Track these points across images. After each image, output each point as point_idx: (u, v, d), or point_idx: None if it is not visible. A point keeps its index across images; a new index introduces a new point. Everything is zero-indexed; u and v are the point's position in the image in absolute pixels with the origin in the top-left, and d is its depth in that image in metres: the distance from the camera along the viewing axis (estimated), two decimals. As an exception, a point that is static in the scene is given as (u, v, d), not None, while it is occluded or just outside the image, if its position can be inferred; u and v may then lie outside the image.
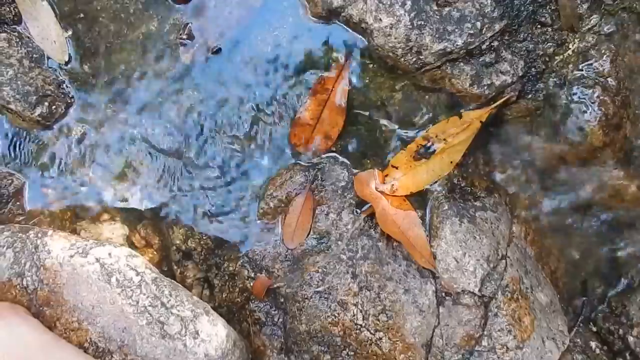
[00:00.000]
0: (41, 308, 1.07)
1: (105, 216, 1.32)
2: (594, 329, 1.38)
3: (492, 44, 1.29)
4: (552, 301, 1.38)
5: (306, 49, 1.32)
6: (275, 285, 1.24)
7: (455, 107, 1.29)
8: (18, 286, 1.09)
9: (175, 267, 1.34)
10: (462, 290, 1.21)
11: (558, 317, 1.37)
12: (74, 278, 1.07)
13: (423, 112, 1.31)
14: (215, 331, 1.07)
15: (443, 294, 1.21)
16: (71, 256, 1.10)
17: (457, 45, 1.24)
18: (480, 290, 1.21)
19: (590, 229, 1.37)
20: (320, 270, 1.22)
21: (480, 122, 1.29)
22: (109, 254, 1.10)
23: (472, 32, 1.23)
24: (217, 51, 1.32)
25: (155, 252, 1.33)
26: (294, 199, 1.28)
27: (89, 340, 1.05)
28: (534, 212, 1.41)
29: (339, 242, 1.24)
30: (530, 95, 1.30)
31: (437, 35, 1.23)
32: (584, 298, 1.39)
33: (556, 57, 1.30)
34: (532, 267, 1.38)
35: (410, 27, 1.23)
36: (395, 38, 1.23)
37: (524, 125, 1.34)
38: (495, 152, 1.39)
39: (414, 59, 1.26)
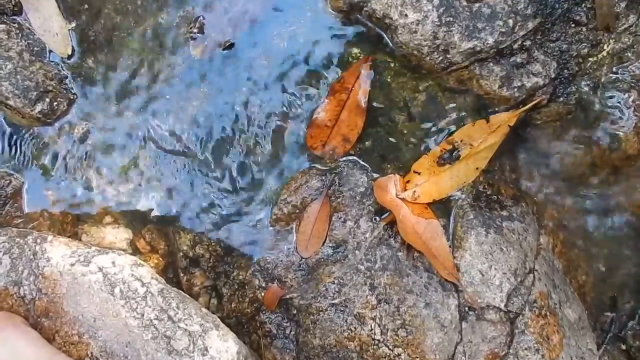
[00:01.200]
0: (39, 319, 1.04)
1: (109, 219, 1.28)
2: (623, 347, 1.35)
3: (524, 43, 1.22)
4: (581, 317, 1.32)
5: (325, 45, 1.27)
6: (287, 296, 1.21)
7: (482, 110, 1.25)
8: (15, 295, 1.06)
9: (181, 275, 1.30)
10: (487, 305, 1.17)
11: (587, 334, 1.32)
12: (74, 288, 1.04)
13: (448, 115, 1.26)
14: (225, 347, 1.02)
15: (466, 308, 1.17)
16: (72, 264, 1.07)
17: (487, 44, 1.19)
18: (506, 306, 1.17)
19: (620, 241, 1.33)
20: (336, 281, 1.19)
21: (509, 126, 1.24)
22: (113, 263, 1.07)
23: (503, 30, 1.18)
24: (230, 46, 1.27)
25: (160, 258, 1.30)
26: (310, 205, 1.24)
27: (89, 355, 1.02)
28: (561, 222, 1.36)
29: (357, 252, 1.20)
30: (561, 99, 1.26)
31: (466, 33, 1.18)
32: (613, 314, 1.36)
33: (590, 59, 1.25)
34: (560, 281, 1.32)
35: (438, 23, 1.18)
36: (421, 35, 1.18)
37: (553, 130, 1.29)
38: (522, 159, 1.34)
39: (441, 58, 1.21)
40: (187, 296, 1.11)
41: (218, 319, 1.09)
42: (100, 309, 1.03)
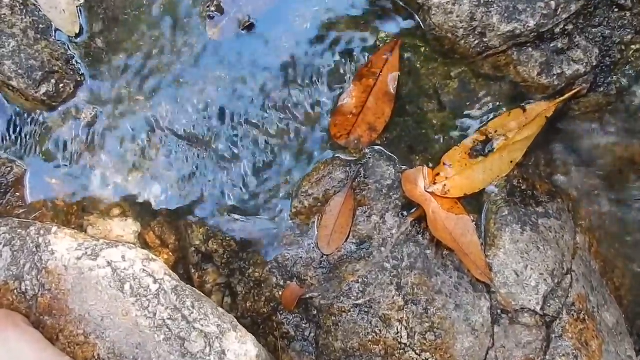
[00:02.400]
0: (42, 317, 1.01)
1: (116, 211, 1.25)
2: (662, 354, 1.29)
3: (566, 27, 1.16)
4: (619, 322, 1.27)
5: (350, 27, 1.22)
6: (307, 296, 1.17)
7: (518, 98, 1.20)
8: (16, 291, 1.02)
9: (193, 271, 1.25)
10: (522, 308, 1.13)
11: (625, 340, 1.26)
12: (81, 284, 1.00)
13: (482, 104, 1.21)
14: (244, 350, 0.98)
15: (499, 311, 1.13)
16: (78, 258, 1.02)
17: (528, 27, 1.13)
18: (542, 309, 1.13)
19: (659, 241, 1.28)
20: (360, 280, 1.15)
21: (546, 117, 1.19)
22: (123, 257, 1.03)
23: (545, 12, 1.12)
24: (250, 27, 1.22)
25: (170, 254, 1.25)
26: (333, 198, 1.19)
27: (96, 357, 0.98)
28: (598, 220, 1.30)
29: (382, 249, 1.16)
30: (601, 89, 1.21)
31: (506, 15, 1.12)
32: (651, 318, 1.30)
33: (633, 46, 1.19)
34: (597, 283, 1.26)
35: (476, 4, 1.12)
36: (457, 16, 1.13)
37: (592, 122, 1.25)
38: (557, 152, 1.28)
39: (477, 42, 1.16)
40: (203, 295, 1.06)
41: (235, 320, 1.04)
42: (108, 307, 0.99)
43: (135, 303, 1.00)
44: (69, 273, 1.01)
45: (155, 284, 1.02)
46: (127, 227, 1.24)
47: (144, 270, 1.02)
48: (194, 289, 1.07)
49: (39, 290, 1.02)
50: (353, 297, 1.14)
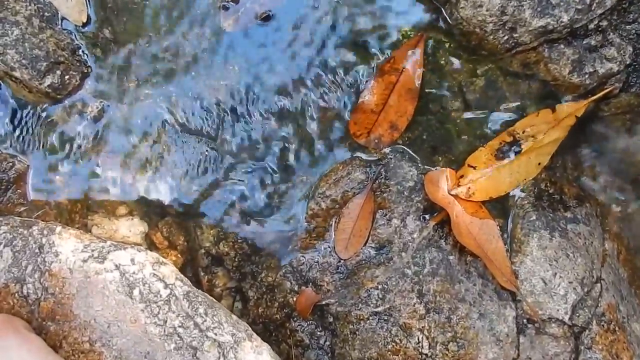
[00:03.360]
0: (44, 322, 0.97)
1: (122, 210, 1.23)
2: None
3: (600, 23, 1.12)
4: None
5: (372, 21, 1.20)
6: (323, 302, 1.14)
7: (547, 98, 1.18)
8: (17, 294, 0.99)
9: (202, 274, 1.24)
10: (549, 318, 1.10)
11: None
12: (86, 288, 0.97)
13: (509, 103, 1.18)
14: None
15: (525, 320, 1.10)
16: (84, 260, 0.99)
17: (561, 22, 1.10)
18: (571, 319, 1.10)
19: (689, 248, 1.25)
20: (379, 286, 1.12)
21: (576, 117, 1.15)
22: (132, 260, 0.99)
23: (580, 7, 1.09)
24: (267, 18, 1.19)
25: (179, 255, 1.23)
26: (351, 200, 1.17)
27: None
28: (627, 226, 1.27)
29: (403, 254, 1.14)
30: (634, 89, 1.18)
31: (538, 9, 1.09)
32: (679, 330, 1.26)
33: None
34: (626, 291, 1.23)
35: None
36: (487, 10, 1.10)
37: (622, 123, 1.22)
38: (585, 154, 1.25)
39: (506, 37, 1.13)
40: (216, 301, 1.03)
41: (250, 328, 1.01)
42: (115, 313, 0.96)
43: (144, 309, 0.96)
44: (74, 276, 0.98)
45: (166, 290, 0.98)
46: (133, 227, 1.22)
47: (154, 274, 0.99)
48: (207, 294, 1.03)
49: (41, 294, 0.99)
50: (372, 305, 1.12)
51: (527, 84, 1.17)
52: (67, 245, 1.01)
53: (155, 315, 0.96)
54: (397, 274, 1.12)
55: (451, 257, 1.13)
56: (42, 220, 1.12)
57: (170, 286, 0.98)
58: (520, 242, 1.13)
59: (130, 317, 0.96)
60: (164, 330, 0.95)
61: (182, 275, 1.02)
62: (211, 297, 1.03)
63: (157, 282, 0.98)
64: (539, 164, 1.16)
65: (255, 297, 1.21)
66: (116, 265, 0.98)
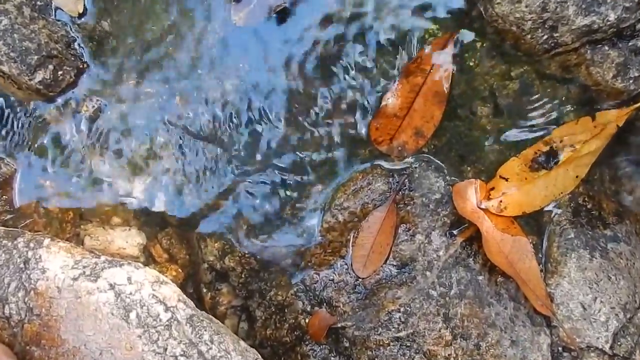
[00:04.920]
0: (28, 347, 0.93)
1: (118, 219, 1.20)
2: None
3: None
4: None
5: (396, 17, 1.17)
6: (339, 325, 1.10)
7: (587, 104, 1.13)
8: None
9: (204, 291, 1.21)
10: (588, 346, 1.05)
11: None
12: (77, 310, 0.93)
13: (545, 109, 1.14)
14: None
15: (561, 349, 1.06)
16: (75, 278, 0.94)
17: (607, 21, 1.05)
18: (612, 348, 1.05)
19: None
20: (402, 309, 1.08)
21: (617, 126, 1.11)
22: (129, 279, 0.95)
23: (628, 5, 1.04)
24: (283, 12, 1.15)
25: (179, 270, 1.21)
26: (372, 213, 1.12)
27: None
28: None
29: (428, 273, 1.09)
30: None
31: (583, 6, 1.05)
32: None
33: None
34: None
35: None
36: (526, 6, 1.06)
37: None
38: (623, 167, 1.20)
39: (546, 37, 1.09)
40: (222, 325, 0.98)
41: (260, 357, 0.96)
42: (109, 338, 0.91)
43: (142, 335, 0.91)
44: (63, 296, 0.94)
45: (166, 313, 0.93)
46: (130, 238, 1.19)
47: (153, 295, 0.94)
48: (212, 317, 0.99)
49: (25, 315, 0.94)
50: (393, 329, 1.07)
51: (565, 88, 1.13)
52: (56, 261, 0.96)
53: (154, 342, 0.91)
54: (421, 295, 1.07)
55: (480, 278, 1.09)
56: (29, 231, 1.08)
57: (171, 309, 0.93)
58: (556, 262, 1.09)
59: (125, 343, 0.91)
60: (164, 359, 0.90)
61: (185, 297, 0.97)
62: (217, 321, 0.99)
63: (157, 304, 0.93)
64: (577, 176, 1.11)
65: (263, 318, 1.17)
66: (111, 285, 0.94)
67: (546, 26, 1.07)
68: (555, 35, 1.07)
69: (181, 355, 0.90)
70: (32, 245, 0.98)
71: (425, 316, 1.06)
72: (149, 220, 1.20)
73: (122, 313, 0.92)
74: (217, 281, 1.20)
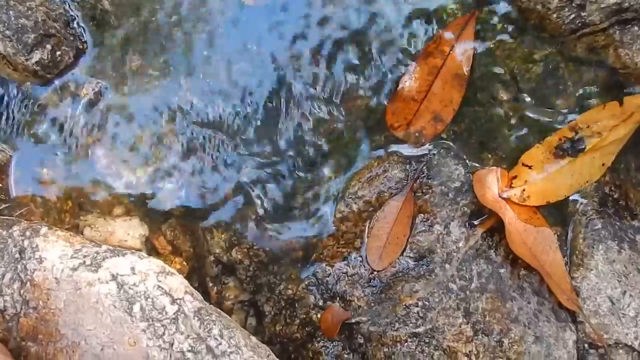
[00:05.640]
0: (24, 343, 0.91)
1: (119, 210, 1.18)
2: None
3: None
4: None
5: None
6: (353, 320, 1.09)
7: (615, 88, 1.11)
8: None
9: (210, 284, 1.18)
10: (616, 343, 1.04)
11: None
12: (76, 302, 0.90)
13: (570, 93, 1.12)
14: None
15: (587, 345, 1.05)
16: (74, 268, 0.91)
17: None
18: None
19: None
20: (420, 303, 1.06)
21: None
22: (132, 269, 0.92)
23: None
24: None
25: (184, 263, 1.19)
26: (388, 202, 1.11)
27: None
28: None
29: (447, 266, 1.07)
30: None
31: None
32: None
33: None
34: None
35: None
36: None
37: None
38: None
39: (573, 16, 1.06)
40: (232, 320, 0.95)
41: (272, 353, 0.93)
42: (111, 333, 0.88)
43: (146, 329, 0.89)
44: (61, 288, 0.91)
45: (172, 305, 0.90)
46: (132, 230, 1.17)
47: (158, 286, 0.91)
48: (221, 311, 0.96)
49: (21, 309, 0.92)
50: (411, 324, 1.05)
51: (592, 71, 1.12)
52: (54, 250, 0.93)
53: (159, 337, 0.89)
54: (440, 289, 1.06)
55: (502, 270, 1.07)
56: (26, 220, 1.06)
57: (178, 301, 0.90)
58: (582, 254, 1.07)
59: (128, 338, 0.88)
60: (170, 355, 0.88)
61: (192, 289, 0.94)
62: (226, 315, 0.96)
63: (163, 296, 0.90)
64: (603, 164, 1.09)
65: (273, 313, 1.15)
66: (113, 275, 0.91)
67: (574, 4, 1.05)
68: (582, 14, 1.05)
69: (189, 350, 0.87)
70: (28, 234, 0.96)
71: (444, 311, 1.04)
72: (151, 211, 1.17)
73: (125, 305, 0.90)
74: (223, 275, 1.19)
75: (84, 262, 0.92)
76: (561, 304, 1.04)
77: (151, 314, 0.90)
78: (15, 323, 0.91)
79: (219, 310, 0.96)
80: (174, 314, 0.90)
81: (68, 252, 0.94)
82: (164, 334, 0.88)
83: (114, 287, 0.91)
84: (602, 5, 1.03)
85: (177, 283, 0.92)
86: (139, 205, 1.17)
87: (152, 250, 1.18)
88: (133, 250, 0.96)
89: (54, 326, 0.90)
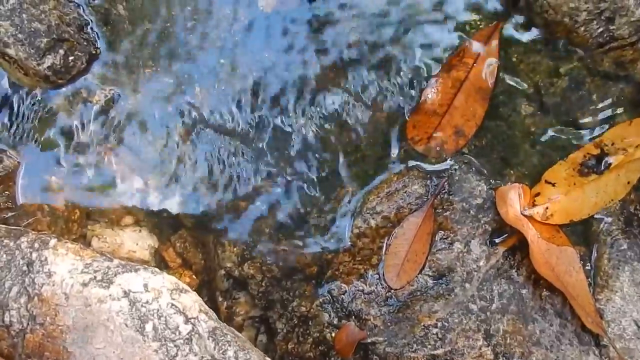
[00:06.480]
0: None
1: (128, 220, 1.17)
2: None
3: None
4: None
5: (434, 6, 1.14)
6: (369, 340, 1.06)
7: None
8: None
9: (220, 299, 1.17)
10: None
11: None
12: (86, 319, 0.87)
13: (596, 108, 1.10)
14: None
15: None
16: (84, 284, 0.89)
17: None
18: None
19: None
20: (439, 323, 1.04)
21: None
22: (145, 286, 0.89)
23: None
24: None
25: (194, 276, 1.18)
26: (407, 218, 1.08)
27: None
28: None
29: (467, 285, 1.05)
30: None
31: None
32: None
33: None
34: None
35: None
36: None
37: None
38: None
39: (601, 30, 1.05)
40: (247, 340, 0.93)
41: None
42: (122, 352, 0.86)
43: (158, 349, 0.86)
44: (71, 303, 0.88)
45: (186, 325, 0.87)
46: (141, 241, 1.16)
47: (172, 304, 0.88)
48: (235, 331, 0.93)
49: (27, 324, 0.89)
50: (429, 346, 1.03)
51: (619, 86, 1.10)
52: (64, 264, 0.91)
53: (172, 358, 0.86)
54: (459, 310, 1.04)
55: (524, 291, 1.05)
56: (33, 230, 1.05)
57: (192, 321, 0.88)
58: (607, 275, 1.05)
59: (140, 358, 0.86)
60: None
61: (207, 307, 0.92)
62: (242, 336, 0.93)
63: (176, 314, 0.87)
64: (629, 182, 1.06)
65: (285, 330, 1.13)
66: (125, 292, 0.88)
67: (602, 17, 1.03)
68: (611, 27, 1.04)
69: (202, 372, 0.83)
70: (36, 245, 0.93)
71: (464, 332, 1.02)
72: (161, 222, 1.16)
73: (137, 324, 0.87)
74: (234, 289, 1.17)
75: (95, 277, 0.90)
76: (585, 326, 1.02)
77: (164, 333, 0.87)
78: (21, 339, 0.89)
79: (233, 330, 0.94)
80: (187, 333, 0.87)
81: (78, 267, 0.91)
82: (176, 354, 0.86)
83: (126, 305, 0.88)
84: (633, 19, 1.01)
85: (191, 301, 0.90)
86: (149, 216, 1.16)
87: (161, 263, 1.17)
88: (146, 266, 0.93)
89: (61, 344, 0.87)
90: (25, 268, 0.91)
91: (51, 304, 0.89)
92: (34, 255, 0.93)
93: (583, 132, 1.10)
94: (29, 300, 0.89)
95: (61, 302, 0.89)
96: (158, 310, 0.88)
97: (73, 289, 0.89)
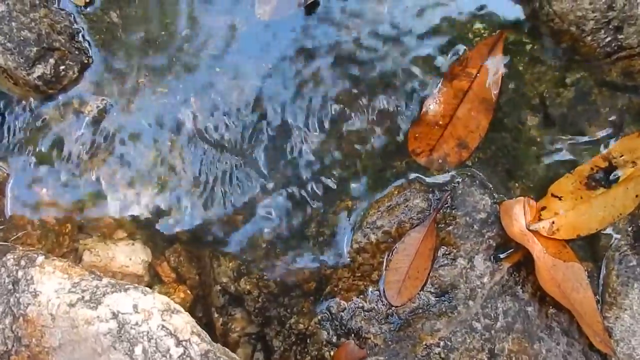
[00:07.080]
0: None
1: (121, 233, 1.15)
2: None
3: None
4: None
5: (437, 14, 1.13)
6: (369, 359, 1.05)
7: None
8: None
9: (215, 315, 1.15)
10: None
11: None
12: (73, 341, 0.85)
13: (603, 119, 1.09)
14: None
15: None
16: (71, 304, 0.86)
17: None
18: None
19: None
20: (442, 342, 1.03)
21: None
22: (135, 307, 0.87)
23: None
24: (313, 5, 1.11)
25: (188, 291, 1.16)
26: (408, 233, 1.07)
27: None
28: None
29: (470, 302, 1.04)
30: None
31: None
32: None
33: None
34: None
35: None
36: (590, 3, 1.01)
37: None
38: None
39: (609, 39, 1.04)
40: None
41: None
42: None
43: None
44: (57, 325, 0.86)
45: (178, 348, 0.85)
46: (134, 255, 1.14)
47: (163, 326, 0.85)
48: (229, 352, 0.92)
49: (12, 346, 0.87)
50: None
51: (627, 97, 1.09)
52: (50, 283, 0.88)
53: None
54: (463, 328, 1.03)
55: (529, 309, 1.04)
56: (21, 244, 1.05)
57: (183, 343, 0.85)
58: (615, 292, 1.03)
59: None
60: None
61: (200, 328, 0.89)
62: (235, 356, 0.91)
63: (167, 337, 0.85)
64: (637, 195, 1.04)
65: (282, 348, 1.11)
66: (114, 313, 0.86)
67: (610, 26, 1.02)
68: (619, 37, 1.02)
69: (194, 398, 0.80)
70: (23, 263, 0.91)
71: (468, 352, 1.01)
72: (155, 235, 1.15)
73: (126, 347, 0.85)
74: (230, 305, 1.15)
75: (83, 297, 0.88)
76: (593, 345, 1.01)
77: (154, 356, 0.85)
78: (6, 361, 0.84)
79: (228, 350, 0.91)
80: (179, 357, 0.85)
81: (65, 286, 0.89)
82: (167, 379, 0.82)
83: (115, 326, 0.86)
84: (641, 29, 0.99)
85: (183, 322, 0.87)
86: (142, 229, 1.15)
87: (154, 277, 1.15)
88: (136, 285, 0.90)
89: (47, 366, 0.82)
90: (10, 287, 0.89)
91: (37, 325, 0.87)
92: (20, 273, 0.90)
93: (590, 143, 1.09)
94: (14, 321, 0.87)
95: (47, 323, 0.86)
96: (148, 333, 0.86)
97: (59, 309, 0.87)
